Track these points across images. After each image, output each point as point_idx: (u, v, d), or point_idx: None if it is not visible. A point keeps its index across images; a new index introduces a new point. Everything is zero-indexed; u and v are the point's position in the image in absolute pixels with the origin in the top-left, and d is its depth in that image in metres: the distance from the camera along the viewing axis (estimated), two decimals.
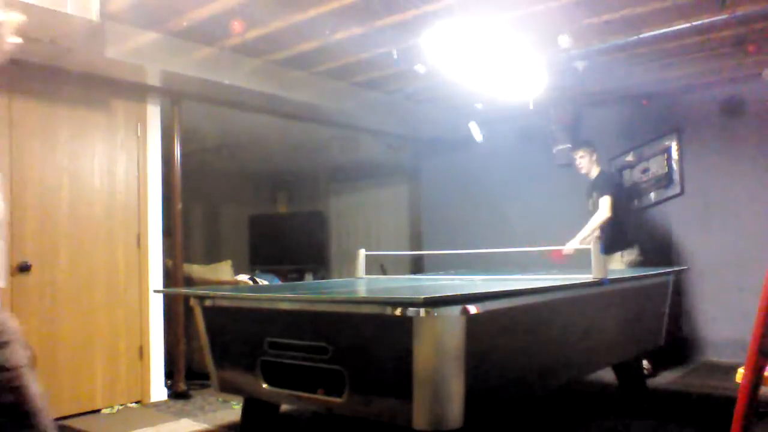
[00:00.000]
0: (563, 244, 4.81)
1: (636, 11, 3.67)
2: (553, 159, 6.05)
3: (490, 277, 3.92)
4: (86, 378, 4.07)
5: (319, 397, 2.66)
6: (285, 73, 4.75)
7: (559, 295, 2.97)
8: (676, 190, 5.48)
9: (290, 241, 8.21)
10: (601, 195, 4.87)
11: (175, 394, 4.47)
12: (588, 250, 3.22)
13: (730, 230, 5.18)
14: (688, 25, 3.83)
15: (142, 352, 4.36)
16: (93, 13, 3.31)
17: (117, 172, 4.31)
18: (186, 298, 4.46)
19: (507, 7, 3.60)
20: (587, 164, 5.11)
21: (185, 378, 4.55)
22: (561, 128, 5.96)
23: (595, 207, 4.92)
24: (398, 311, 2.28)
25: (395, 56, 4.25)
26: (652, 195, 5.63)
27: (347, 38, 4.04)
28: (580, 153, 5.16)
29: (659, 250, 5.38)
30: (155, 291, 4.29)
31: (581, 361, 3.33)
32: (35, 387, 1.84)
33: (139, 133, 4.43)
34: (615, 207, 4.82)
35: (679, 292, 5.32)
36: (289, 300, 2.84)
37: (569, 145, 5.96)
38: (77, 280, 4.06)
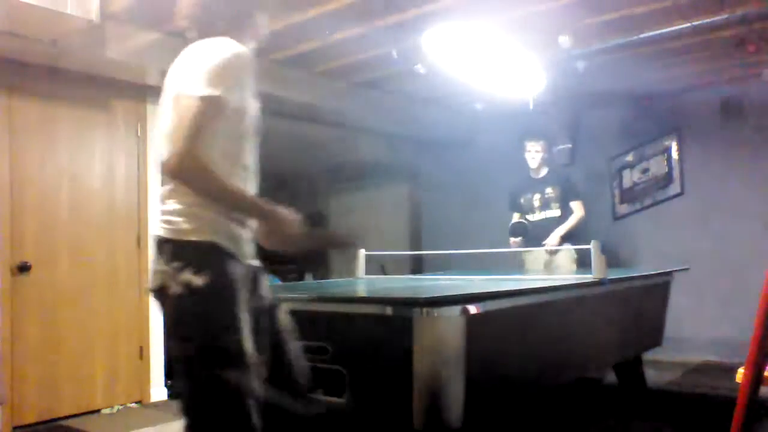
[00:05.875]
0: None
1: (636, 11, 3.68)
2: (553, 159, 6.05)
3: (490, 277, 3.91)
4: (86, 378, 4.07)
5: (319, 397, 2.66)
6: (285, 73, 4.75)
7: (559, 295, 2.97)
8: (676, 190, 5.47)
9: None
10: (574, 197, 4.82)
11: (175, 394, 4.47)
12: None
13: (730, 230, 5.18)
14: (688, 25, 3.83)
15: (142, 353, 4.36)
16: (93, 13, 3.31)
17: (117, 172, 4.31)
18: None
19: (507, 7, 3.60)
20: (541, 161, 4.87)
21: None
22: (561, 128, 5.96)
23: (543, 203, 4.86)
24: (398, 311, 2.28)
25: (395, 56, 4.25)
26: (652, 195, 5.63)
27: (347, 38, 4.04)
28: (538, 147, 4.82)
29: (659, 250, 5.37)
30: None
31: (581, 361, 3.33)
32: None
33: (139, 133, 4.43)
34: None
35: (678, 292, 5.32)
36: (289, 300, 2.84)
37: (569, 146, 5.95)
38: (77, 280, 4.06)
